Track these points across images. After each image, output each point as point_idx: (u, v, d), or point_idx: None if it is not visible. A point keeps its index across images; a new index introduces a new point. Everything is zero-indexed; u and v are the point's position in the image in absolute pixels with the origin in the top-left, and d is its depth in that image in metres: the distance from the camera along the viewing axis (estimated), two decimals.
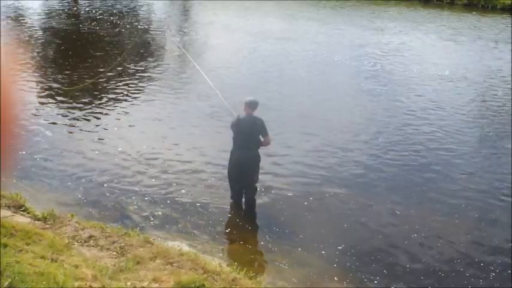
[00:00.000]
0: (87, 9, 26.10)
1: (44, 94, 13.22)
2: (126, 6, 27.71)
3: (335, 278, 6.63)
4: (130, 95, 13.34)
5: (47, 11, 25.11)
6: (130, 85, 14.11)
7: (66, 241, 6.04)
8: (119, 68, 15.53)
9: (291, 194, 8.67)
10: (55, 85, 13.91)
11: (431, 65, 17.31)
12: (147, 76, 15.19)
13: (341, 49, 19.28)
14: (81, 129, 11.00)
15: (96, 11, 25.25)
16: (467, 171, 9.82)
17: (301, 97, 13.72)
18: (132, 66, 16.09)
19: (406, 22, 25.18)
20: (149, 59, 17.42)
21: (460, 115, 12.74)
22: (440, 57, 18.75)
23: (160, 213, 7.90)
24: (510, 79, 15.99)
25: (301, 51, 18.66)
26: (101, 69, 14.74)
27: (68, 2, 27.91)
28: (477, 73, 16.85)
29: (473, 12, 27.96)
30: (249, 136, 7.84)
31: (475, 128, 12.02)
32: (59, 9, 25.70)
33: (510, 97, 14.32)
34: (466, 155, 10.53)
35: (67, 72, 15.28)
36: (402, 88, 14.78)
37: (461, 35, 22.38)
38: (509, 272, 6.94)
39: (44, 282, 4.53)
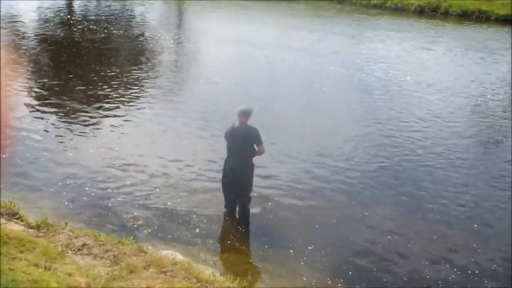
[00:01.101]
0: (81, 14, 26.20)
1: (35, 100, 13.23)
2: (120, 11, 27.78)
3: None
4: (123, 102, 13.33)
5: (40, 17, 25.13)
6: (123, 92, 14.12)
7: (60, 249, 6.05)
8: (111, 74, 15.65)
9: (285, 203, 8.69)
10: (46, 92, 13.92)
11: (401, 72, 17.60)
12: (140, 83, 15.22)
13: (329, 58, 19.43)
14: (74, 136, 10.99)
15: (90, 16, 25.31)
16: (458, 176, 9.93)
17: (292, 104, 13.80)
18: (125, 72, 16.15)
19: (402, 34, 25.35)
20: (142, 65, 17.45)
21: (447, 122, 12.89)
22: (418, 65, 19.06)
23: (154, 222, 7.90)
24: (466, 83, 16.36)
25: (288, 59, 18.78)
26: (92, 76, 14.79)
27: (63, 6, 28.05)
28: (443, 79, 17.19)
29: (446, 22, 28.17)
30: (242, 145, 7.87)
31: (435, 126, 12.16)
32: (53, 15, 25.73)
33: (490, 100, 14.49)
34: (453, 160, 10.66)
35: (58, 78, 15.36)
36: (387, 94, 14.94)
37: (437, 44, 22.69)
38: (509, 272, 7.01)
39: None
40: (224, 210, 8.29)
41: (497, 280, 7.00)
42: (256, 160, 8.10)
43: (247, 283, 6.23)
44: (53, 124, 11.64)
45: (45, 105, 12.90)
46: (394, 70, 17.85)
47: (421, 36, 24.24)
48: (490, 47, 22.45)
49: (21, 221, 6.86)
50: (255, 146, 7.91)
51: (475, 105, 14.62)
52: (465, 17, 29.69)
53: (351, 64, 18.46)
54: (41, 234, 6.53)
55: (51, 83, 14.89)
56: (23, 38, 20.64)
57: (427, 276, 6.97)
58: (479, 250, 7.63)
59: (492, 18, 29.26)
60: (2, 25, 22.34)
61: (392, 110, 13.64)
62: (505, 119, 13.59)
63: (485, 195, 9.30)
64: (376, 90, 15.35)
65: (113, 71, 16.26)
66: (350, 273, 6.99)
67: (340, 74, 17.10)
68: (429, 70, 18.35)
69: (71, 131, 11.32)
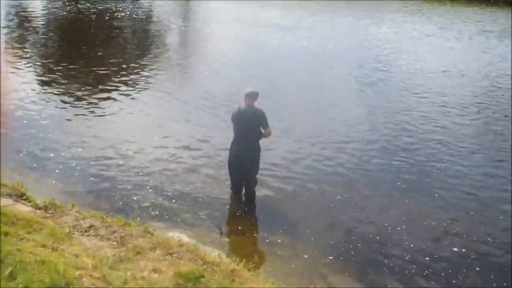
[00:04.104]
0: (87, 4, 26.13)
1: (41, 85, 13.25)
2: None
3: (333, 270, 6.68)
4: (128, 85, 13.36)
5: (47, 7, 25.04)
6: (128, 76, 14.15)
7: (67, 230, 6.08)
8: (117, 58, 15.65)
9: (290, 186, 8.70)
10: (53, 76, 13.91)
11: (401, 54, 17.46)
12: (146, 66, 15.21)
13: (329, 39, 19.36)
14: (81, 120, 11.03)
15: (96, 9, 25.21)
16: (462, 165, 9.87)
17: (299, 88, 13.75)
18: (131, 56, 16.16)
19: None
20: (148, 49, 17.41)
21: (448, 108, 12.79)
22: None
23: (160, 203, 7.94)
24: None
25: (294, 42, 18.70)
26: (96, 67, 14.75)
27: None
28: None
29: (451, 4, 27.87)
30: (249, 127, 7.86)
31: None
32: (60, 6, 25.65)
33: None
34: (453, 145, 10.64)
35: (63, 61, 15.40)
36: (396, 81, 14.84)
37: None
38: (509, 272, 6.99)
39: (44, 271, 4.56)
40: (230, 192, 8.31)
41: (491, 263, 7.04)
42: (266, 141, 8.12)
43: (252, 265, 6.26)
44: (57, 106, 11.69)
45: (50, 87, 12.94)
46: (395, 53, 17.85)
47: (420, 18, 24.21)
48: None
49: (29, 202, 6.89)
50: (261, 128, 7.91)
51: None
52: None
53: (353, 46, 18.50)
54: (48, 215, 6.57)
55: (56, 65, 14.90)
56: (32, 27, 20.60)
57: (453, 269, 6.93)
58: (477, 233, 7.67)
59: (501, 0, 28.92)
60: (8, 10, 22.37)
61: (390, 93, 13.69)
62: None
63: (485, 183, 9.26)
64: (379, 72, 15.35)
65: (119, 55, 16.26)
66: (353, 255, 7.01)
67: (343, 57, 17.11)
68: (419, 49, 18.63)
69: (76, 113, 11.35)
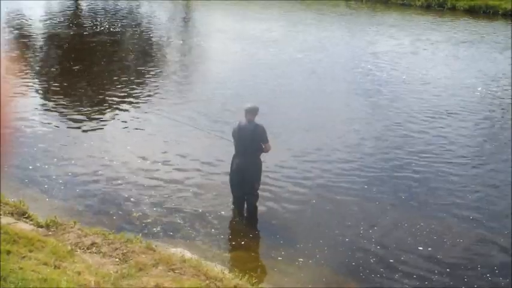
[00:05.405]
0: (89, 13, 26.34)
1: (43, 100, 13.30)
2: (128, 10, 27.88)
3: (335, 283, 6.66)
4: (128, 101, 13.34)
5: (47, 16, 25.21)
6: (128, 91, 14.13)
7: (69, 248, 6.08)
8: (117, 74, 15.73)
9: (292, 201, 8.69)
10: (54, 92, 13.96)
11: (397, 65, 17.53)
12: (145, 82, 15.21)
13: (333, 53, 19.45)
14: (82, 137, 11.04)
15: (97, 15, 25.37)
16: (463, 175, 9.88)
17: (299, 104, 13.78)
18: (130, 71, 16.22)
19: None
20: (148, 65, 17.46)
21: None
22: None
23: (162, 220, 7.92)
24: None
25: (295, 57, 18.80)
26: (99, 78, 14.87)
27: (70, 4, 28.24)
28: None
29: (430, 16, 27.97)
30: (249, 143, 7.87)
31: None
32: (60, 13, 25.85)
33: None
34: (457, 158, 10.62)
35: (63, 76, 15.47)
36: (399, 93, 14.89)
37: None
38: (510, 272, 7.00)
39: None
40: (232, 207, 8.30)
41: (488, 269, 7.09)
42: (267, 156, 8.14)
43: (255, 280, 6.24)
44: (58, 124, 11.69)
45: (47, 103, 12.99)
46: (394, 64, 17.91)
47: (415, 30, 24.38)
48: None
49: (31, 220, 6.91)
50: (261, 143, 7.92)
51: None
52: (472, 12, 29.48)
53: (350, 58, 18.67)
54: (50, 233, 6.58)
55: (56, 81, 14.96)
56: (30, 35, 20.76)
57: (455, 274, 6.99)
58: (484, 247, 7.66)
59: (500, 13, 29.04)
60: (7, 21, 22.59)
61: (378, 105, 13.72)
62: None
63: (489, 194, 9.24)
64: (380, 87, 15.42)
65: (119, 70, 16.31)
66: (358, 270, 6.98)
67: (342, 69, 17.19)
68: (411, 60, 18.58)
69: (77, 129, 11.36)
